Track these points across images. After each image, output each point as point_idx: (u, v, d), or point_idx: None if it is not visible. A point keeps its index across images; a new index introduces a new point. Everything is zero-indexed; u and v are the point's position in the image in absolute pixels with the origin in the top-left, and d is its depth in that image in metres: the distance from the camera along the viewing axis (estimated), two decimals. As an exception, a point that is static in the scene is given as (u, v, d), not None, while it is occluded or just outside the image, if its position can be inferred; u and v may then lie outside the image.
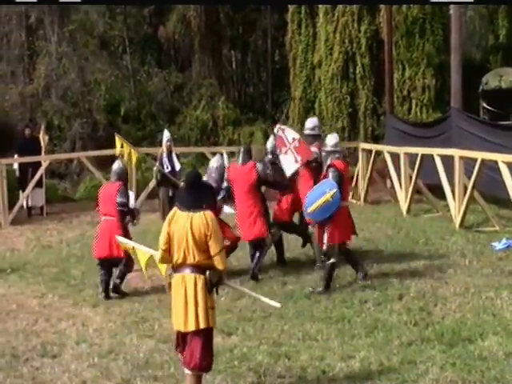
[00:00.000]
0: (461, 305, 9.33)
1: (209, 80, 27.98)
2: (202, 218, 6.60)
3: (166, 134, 15.52)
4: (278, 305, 7.42)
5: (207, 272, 6.64)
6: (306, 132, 11.82)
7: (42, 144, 18.76)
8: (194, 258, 6.61)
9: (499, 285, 10.03)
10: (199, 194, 6.78)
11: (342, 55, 23.45)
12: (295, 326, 8.91)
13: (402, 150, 16.60)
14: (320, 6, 24.01)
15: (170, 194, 14.44)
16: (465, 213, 14.08)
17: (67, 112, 25.85)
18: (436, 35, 22.70)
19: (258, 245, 11.29)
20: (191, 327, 6.62)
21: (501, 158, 12.90)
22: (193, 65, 29.39)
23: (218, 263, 6.63)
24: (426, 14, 22.62)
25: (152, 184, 18.53)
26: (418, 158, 15.72)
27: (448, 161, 14.58)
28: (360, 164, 19.04)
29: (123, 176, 11.38)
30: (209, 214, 6.67)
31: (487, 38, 26.57)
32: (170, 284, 7.05)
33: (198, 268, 6.63)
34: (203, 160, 21.72)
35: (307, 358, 7.78)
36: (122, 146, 15.62)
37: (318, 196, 10.08)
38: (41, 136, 18.90)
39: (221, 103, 26.87)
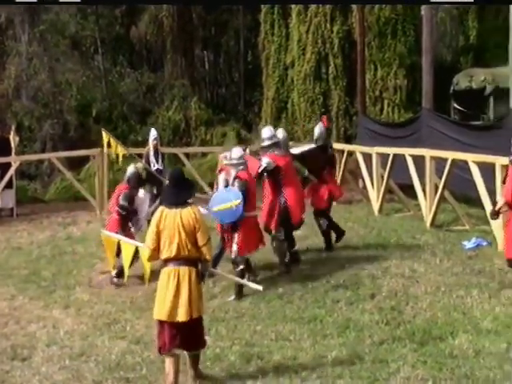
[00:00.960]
0: (432, 303, 9.38)
1: (181, 80, 27.92)
2: (190, 213, 7.08)
3: (153, 133, 15.68)
4: (259, 288, 8.05)
5: (199, 265, 7.16)
6: (266, 143, 11.36)
7: (12, 145, 18.57)
8: (188, 251, 7.05)
9: (469, 283, 10.10)
10: (184, 190, 7.26)
11: (315, 56, 23.52)
12: (268, 326, 8.90)
13: (373, 150, 16.68)
14: (293, 6, 24.06)
15: (155, 191, 14.61)
16: (435, 212, 14.17)
17: (38, 113, 25.66)
18: (408, 36, 22.86)
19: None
20: (183, 318, 6.99)
21: (471, 158, 13.00)
22: (165, 65, 29.32)
23: (206, 253, 7.15)
24: (397, 15, 22.77)
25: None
26: (390, 158, 15.80)
27: (419, 160, 14.67)
28: (332, 164, 19.07)
29: (131, 180, 11.84)
30: (196, 208, 7.21)
31: (458, 39, 26.77)
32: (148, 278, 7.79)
33: (191, 261, 7.10)
34: (176, 161, 21.67)
35: (280, 358, 7.78)
36: (108, 144, 15.44)
37: (222, 200, 10.23)
38: (11, 137, 18.71)
39: (193, 104, 26.83)
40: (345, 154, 18.56)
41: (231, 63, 31.21)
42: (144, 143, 18.19)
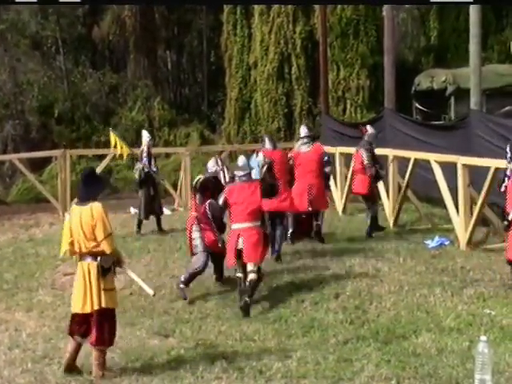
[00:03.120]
0: (395, 302, 9.44)
1: (144, 81, 27.81)
2: (88, 211, 7.32)
3: (147, 134, 15.58)
4: (151, 292, 7.95)
5: (99, 258, 7.35)
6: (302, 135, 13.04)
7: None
8: (86, 247, 7.36)
9: (432, 282, 10.20)
10: (90, 188, 7.49)
11: (278, 56, 23.59)
12: (232, 326, 8.89)
13: (337, 150, 16.75)
14: (255, 6, 24.10)
15: (152, 192, 14.68)
16: (399, 212, 14.29)
17: (-1, 113, 25.41)
18: (370, 36, 23.00)
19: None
20: (88, 309, 7.39)
21: (433, 158, 13.13)
22: (128, 65, 29.17)
23: (105, 247, 7.33)
24: (359, 16, 22.90)
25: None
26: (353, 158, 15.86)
27: (382, 160, 14.74)
28: (296, 164, 19.10)
29: None
30: (95, 205, 7.36)
31: (419, 40, 27.03)
32: None
33: (92, 255, 7.37)
34: (139, 161, 21.53)
35: (244, 359, 7.77)
36: (115, 145, 15.27)
37: None
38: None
39: (156, 104, 26.73)
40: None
41: (194, 63, 31.15)
42: (107, 144, 18.08)
